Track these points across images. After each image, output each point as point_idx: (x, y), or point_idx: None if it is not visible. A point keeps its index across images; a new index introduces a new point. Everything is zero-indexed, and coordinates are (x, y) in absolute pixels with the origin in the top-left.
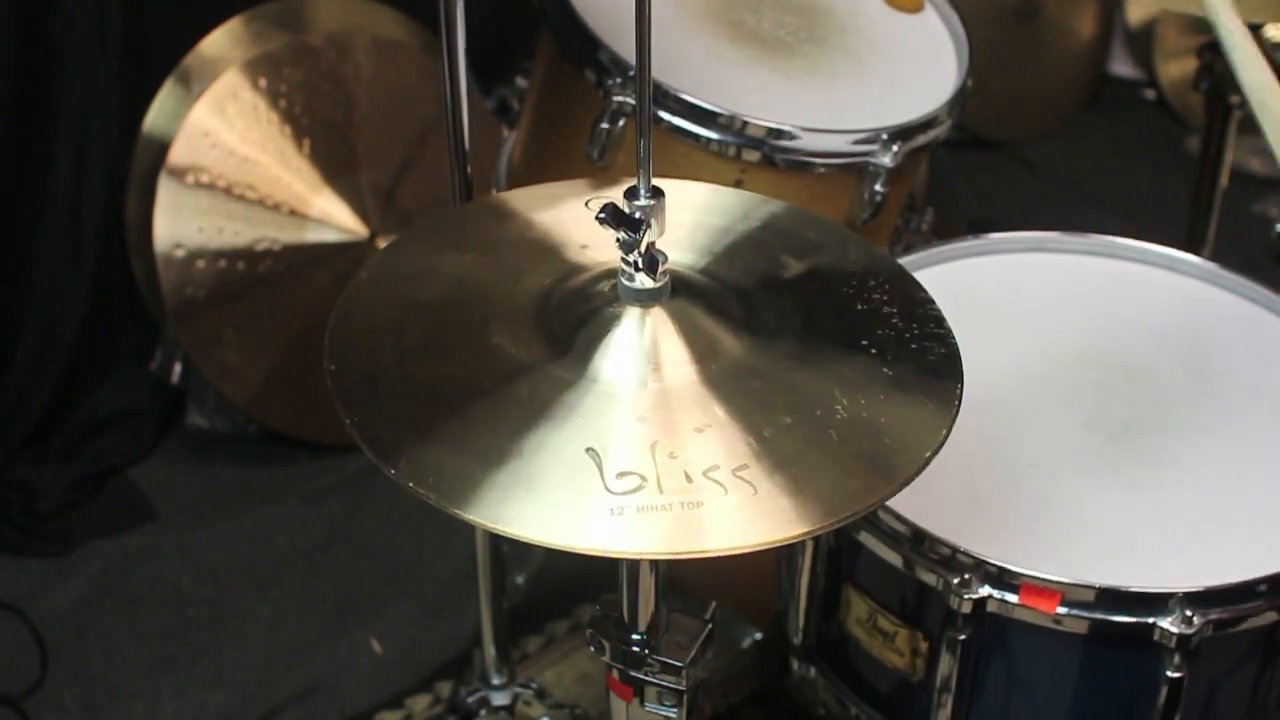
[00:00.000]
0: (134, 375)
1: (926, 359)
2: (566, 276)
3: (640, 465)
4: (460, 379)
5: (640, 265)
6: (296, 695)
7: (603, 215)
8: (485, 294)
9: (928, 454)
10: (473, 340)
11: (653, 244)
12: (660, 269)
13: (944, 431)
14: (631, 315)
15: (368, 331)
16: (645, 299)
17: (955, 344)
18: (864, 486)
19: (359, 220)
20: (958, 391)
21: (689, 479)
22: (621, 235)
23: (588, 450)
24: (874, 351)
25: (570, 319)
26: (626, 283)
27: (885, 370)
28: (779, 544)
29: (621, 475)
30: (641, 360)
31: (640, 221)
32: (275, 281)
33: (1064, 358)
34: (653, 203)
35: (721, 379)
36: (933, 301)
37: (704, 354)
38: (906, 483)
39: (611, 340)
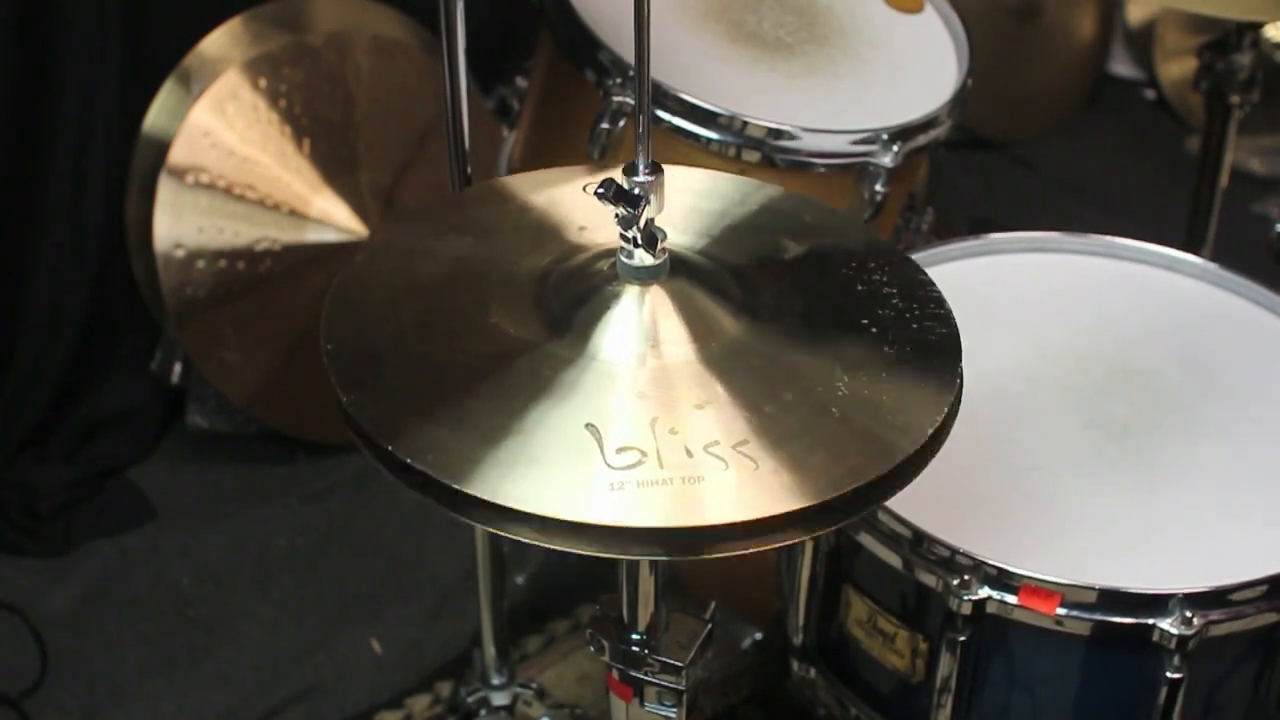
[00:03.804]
0: (134, 375)
1: (927, 338)
2: (565, 257)
3: (640, 440)
4: (459, 358)
5: (639, 241)
6: (296, 695)
7: (601, 190)
8: (484, 274)
9: (929, 431)
10: (472, 320)
11: (651, 220)
12: (659, 245)
13: (945, 408)
14: (630, 293)
15: (366, 311)
16: (644, 276)
17: (955, 323)
18: (865, 462)
19: (359, 220)
20: (958, 370)
21: (689, 454)
22: (620, 211)
23: (587, 426)
24: (874, 331)
25: (569, 298)
26: (625, 260)
27: (886, 349)
28: (780, 519)
29: (621, 450)
30: (640, 338)
31: (639, 197)
32: (275, 281)
33: (1064, 358)
34: (652, 179)
35: (721, 357)
36: (933, 283)
37: (703, 332)
38: (909, 462)
39: (610, 318)
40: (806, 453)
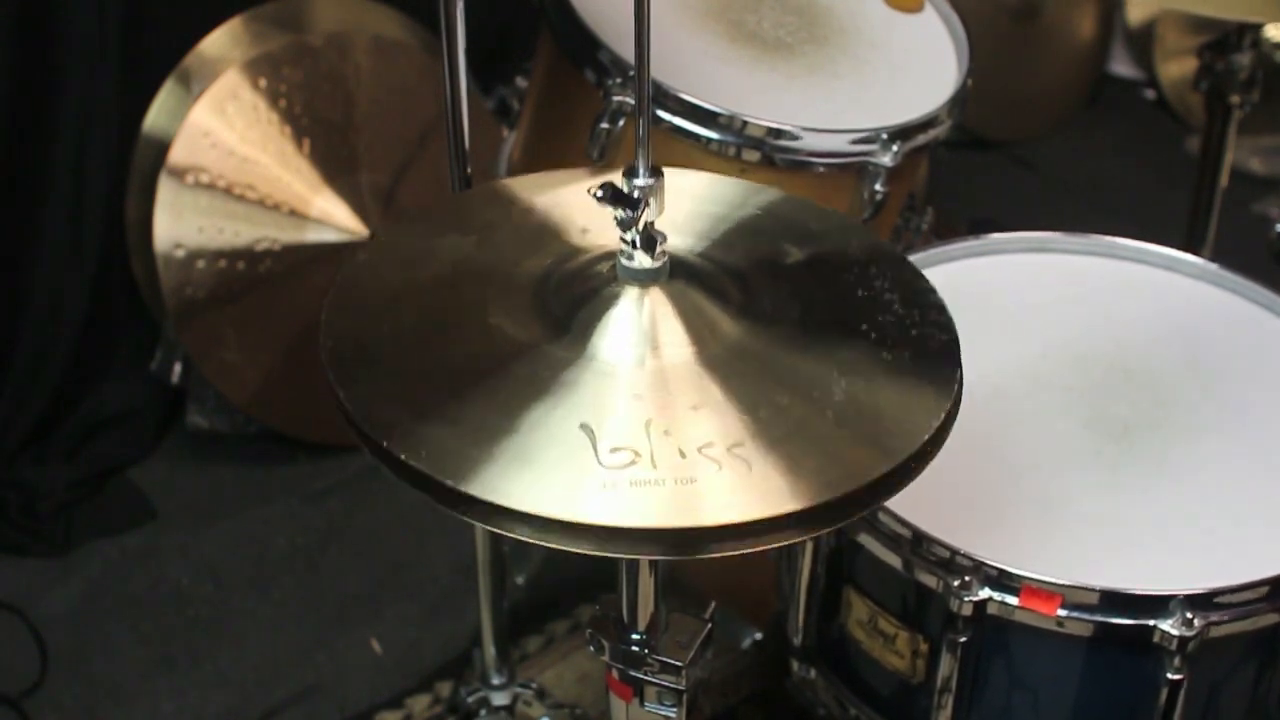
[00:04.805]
0: (134, 375)
1: (926, 345)
2: (566, 259)
3: (634, 441)
4: (458, 358)
5: (638, 244)
6: (296, 695)
7: (600, 194)
8: (485, 275)
9: (925, 436)
10: (472, 320)
11: (651, 223)
12: (659, 248)
13: (942, 414)
14: (630, 295)
15: (366, 309)
16: (644, 279)
17: (955, 331)
18: (859, 466)
19: (359, 220)
20: (957, 377)
21: (683, 455)
22: (620, 213)
23: (581, 426)
24: (874, 336)
25: (569, 299)
26: (625, 262)
27: (885, 355)
28: (773, 521)
29: (615, 450)
30: (639, 339)
31: (638, 200)
32: (275, 281)
33: (1064, 358)
34: (651, 182)
35: (719, 359)
36: (934, 290)
37: (702, 335)
38: (903, 466)
39: (610, 319)
40: (800, 456)
